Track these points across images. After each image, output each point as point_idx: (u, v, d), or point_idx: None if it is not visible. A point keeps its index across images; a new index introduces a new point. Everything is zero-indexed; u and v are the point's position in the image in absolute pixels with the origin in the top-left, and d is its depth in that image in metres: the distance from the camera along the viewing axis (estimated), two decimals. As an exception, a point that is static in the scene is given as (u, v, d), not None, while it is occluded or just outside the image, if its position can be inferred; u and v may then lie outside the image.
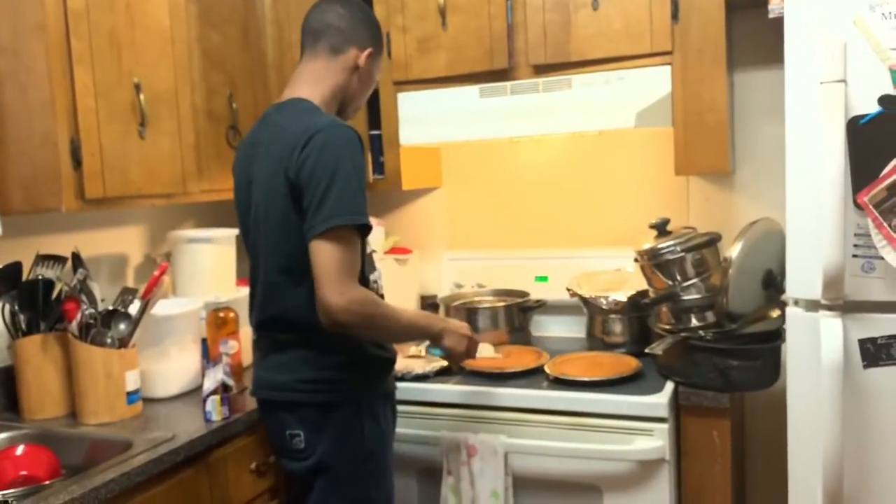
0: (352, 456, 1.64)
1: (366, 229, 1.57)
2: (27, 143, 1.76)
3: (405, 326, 1.67)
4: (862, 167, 1.49)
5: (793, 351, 1.64)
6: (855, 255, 1.53)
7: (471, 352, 1.82)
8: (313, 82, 1.69)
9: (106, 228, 2.28)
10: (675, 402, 1.91)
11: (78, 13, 1.76)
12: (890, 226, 1.48)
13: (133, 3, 1.90)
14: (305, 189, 1.52)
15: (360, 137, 1.58)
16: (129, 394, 1.87)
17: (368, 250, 1.70)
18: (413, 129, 2.37)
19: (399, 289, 2.55)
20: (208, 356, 2.05)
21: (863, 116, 1.49)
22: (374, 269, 1.73)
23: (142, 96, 1.91)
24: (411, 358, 2.25)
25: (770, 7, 1.81)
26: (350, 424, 1.64)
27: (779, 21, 1.63)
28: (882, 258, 1.50)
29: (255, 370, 1.75)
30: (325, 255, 1.48)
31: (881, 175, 1.48)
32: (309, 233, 1.51)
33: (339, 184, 1.49)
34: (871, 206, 1.49)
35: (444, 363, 2.16)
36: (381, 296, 1.72)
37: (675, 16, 2.06)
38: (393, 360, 1.76)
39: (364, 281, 1.63)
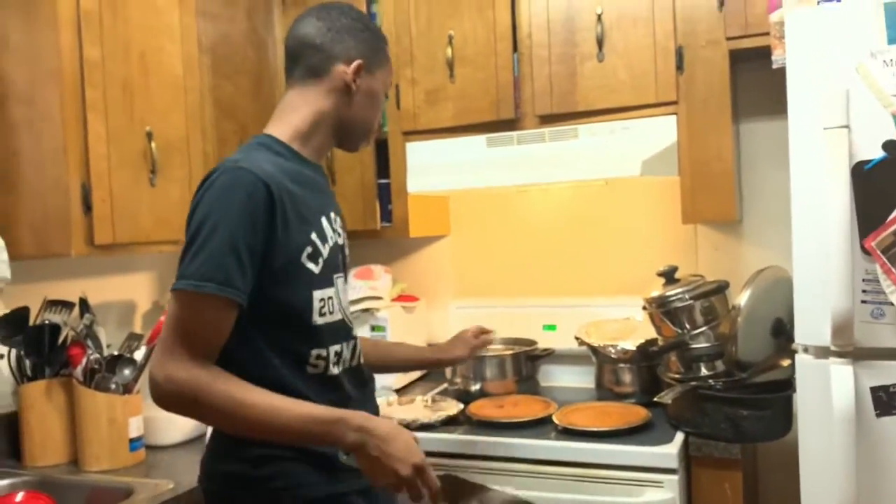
0: None
1: (228, 300, 1.24)
2: (39, 188, 1.78)
3: (268, 427, 1.23)
4: (868, 212, 1.49)
5: (803, 399, 1.61)
6: (864, 301, 1.52)
7: (409, 489, 1.28)
8: (285, 114, 1.45)
9: (115, 275, 2.29)
10: (686, 453, 1.87)
11: (93, 62, 1.80)
12: (899, 272, 1.47)
13: (147, 53, 1.95)
14: None
15: (267, 185, 1.27)
16: (131, 440, 1.86)
17: (317, 321, 1.37)
18: (421, 178, 2.39)
19: (406, 337, 2.53)
20: (213, 403, 2.02)
21: (867, 162, 1.49)
22: (317, 343, 1.37)
23: (153, 144, 1.94)
24: (412, 404, 2.23)
25: (774, 58, 1.83)
26: None
27: (783, 71, 1.65)
28: (892, 304, 1.48)
29: None
30: (166, 318, 1.25)
31: (888, 220, 1.47)
32: None
33: (201, 239, 1.23)
34: (878, 252, 1.48)
35: (452, 412, 2.13)
36: (332, 377, 1.39)
37: (679, 67, 2.09)
38: (330, 458, 1.34)
39: (300, 357, 1.35)
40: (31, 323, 1.90)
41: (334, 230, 1.44)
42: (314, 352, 1.37)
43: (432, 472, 1.28)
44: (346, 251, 1.52)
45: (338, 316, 1.42)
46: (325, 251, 1.39)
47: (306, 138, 1.44)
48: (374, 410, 1.51)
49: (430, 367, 2.00)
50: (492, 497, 1.83)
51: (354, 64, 1.43)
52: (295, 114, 1.43)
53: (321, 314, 1.37)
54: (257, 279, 1.28)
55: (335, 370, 1.40)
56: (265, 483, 1.31)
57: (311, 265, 1.35)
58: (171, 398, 1.22)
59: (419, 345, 2.26)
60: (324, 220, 1.41)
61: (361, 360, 1.50)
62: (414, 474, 1.26)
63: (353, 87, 1.43)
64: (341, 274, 1.46)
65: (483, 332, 1.92)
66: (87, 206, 1.78)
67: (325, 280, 1.39)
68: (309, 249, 1.35)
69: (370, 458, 1.25)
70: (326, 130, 1.46)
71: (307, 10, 1.48)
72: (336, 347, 1.41)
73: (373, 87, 1.47)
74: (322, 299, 1.38)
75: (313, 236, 1.37)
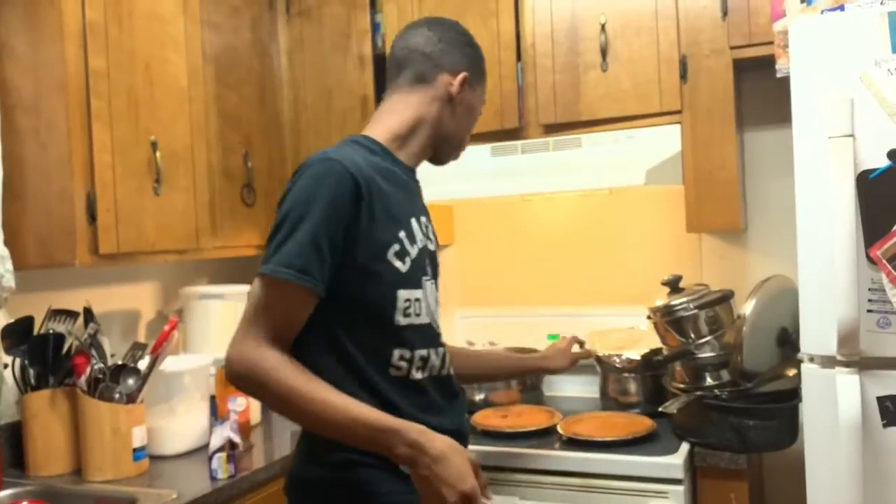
0: None
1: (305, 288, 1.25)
2: (44, 197, 1.79)
3: (320, 420, 1.23)
4: (874, 221, 1.49)
5: (809, 409, 1.60)
6: (870, 311, 1.51)
7: None
8: (385, 117, 1.46)
9: (120, 284, 2.29)
10: (691, 464, 1.86)
11: (99, 72, 1.81)
12: (905, 281, 1.46)
13: (152, 64, 1.96)
14: None
15: (354, 177, 1.28)
16: (135, 450, 1.85)
17: (400, 321, 1.34)
18: (425, 187, 2.37)
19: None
20: (216, 413, 2.03)
21: (873, 171, 1.48)
22: (399, 343, 1.34)
23: (158, 154, 1.95)
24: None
25: (778, 66, 1.83)
26: None
27: (787, 80, 1.65)
28: (898, 313, 1.48)
29: None
30: (248, 301, 1.28)
31: (893, 229, 1.47)
32: None
33: (286, 228, 1.26)
34: (884, 261, 1.47)
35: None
36: (415, 381, 1.36)
37: (683, 76, 2.09)
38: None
39: (382, 356, 1.33)
40: (35, 332, 1.90)
41: (424, 234, 1.43)
42: (397, 352, 1.35)
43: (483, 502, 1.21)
44: (438, 260, 1.51)
45: (424, 319, 1.39)
46: (413, 251, 1.37)
47: (403, 141, 1.46)
48: (461, 424, 1.46)
49: (530, 374, 2.20)
50: None
51: (460, 76, 1.47)
52: (395, 117, 1.45)
53: (405, 314, 1.35)
54: (341, 274, 1.28)
55: (418, 375, 1.37)
56: (347, 487, 1.31)
57: (397, 263, 1.34)
58: (239, 377, 1.24)
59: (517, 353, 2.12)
60: (414, 222, 1.40)
61: (451, 371, 1.47)
62: (461, 502, 1.18)
63: (456, 99, 1.47)
64: (431, 278, 1.43)
65: (577, 341, 1.97)
66: (92, 216, 1.79)
67: (412, 280, 1.37)
68: (396, 247, 1.34)
69: (420, 477, 1.20)
70: (424, 137, 1.47)
71: (417, 21, 1.54)
72: (422, 352, 1.38)
73: (472, 102, 1.51)
74: (408, 299, 1.35)
75: (402, 234, 1.36)
